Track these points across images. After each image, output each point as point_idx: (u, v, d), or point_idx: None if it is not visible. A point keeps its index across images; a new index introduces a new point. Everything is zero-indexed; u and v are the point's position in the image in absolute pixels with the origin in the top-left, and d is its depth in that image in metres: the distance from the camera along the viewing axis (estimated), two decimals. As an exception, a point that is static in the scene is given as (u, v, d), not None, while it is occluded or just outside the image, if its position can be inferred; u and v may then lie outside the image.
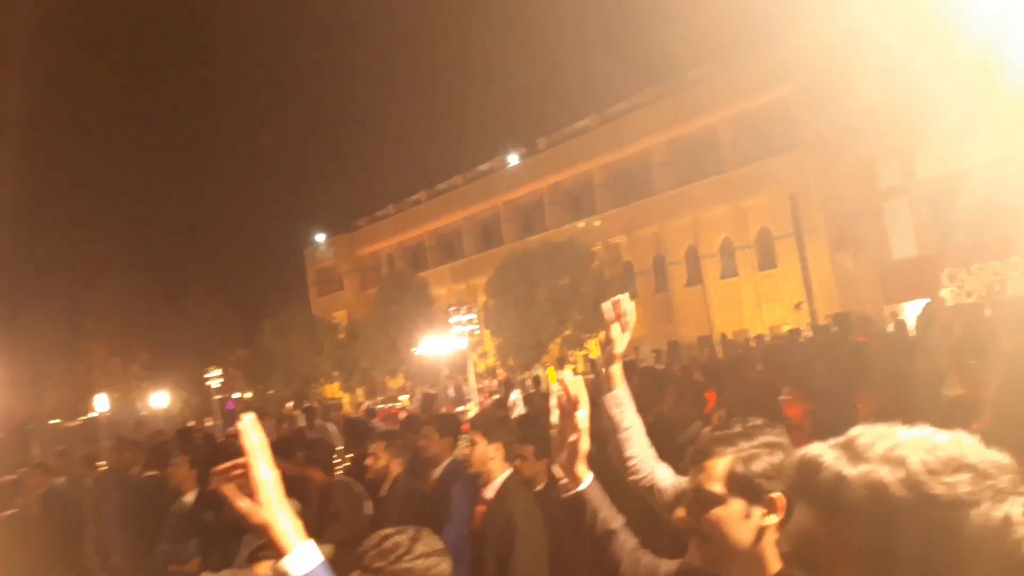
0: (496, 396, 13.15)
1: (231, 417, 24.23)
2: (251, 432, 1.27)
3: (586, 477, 1.81)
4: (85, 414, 28.38)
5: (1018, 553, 0.62)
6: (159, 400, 27.40)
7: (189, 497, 5.60)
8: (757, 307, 25.98)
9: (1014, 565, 0.62)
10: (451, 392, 17.26)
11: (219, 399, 25.87)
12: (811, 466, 0.74)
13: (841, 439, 0.76)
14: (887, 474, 0.68)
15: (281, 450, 5.70)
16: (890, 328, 12.97)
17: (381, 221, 41.77)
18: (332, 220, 43.78)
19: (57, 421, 29.07)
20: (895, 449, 0.70)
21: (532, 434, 4.12)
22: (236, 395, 30.44)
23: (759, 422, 1.66)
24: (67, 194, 62.17)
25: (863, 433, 0.75)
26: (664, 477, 2.13)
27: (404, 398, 23.08)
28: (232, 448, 7.25)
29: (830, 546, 0.71)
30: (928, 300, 17.05)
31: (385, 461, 4.05)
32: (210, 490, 5.59)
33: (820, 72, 22.18)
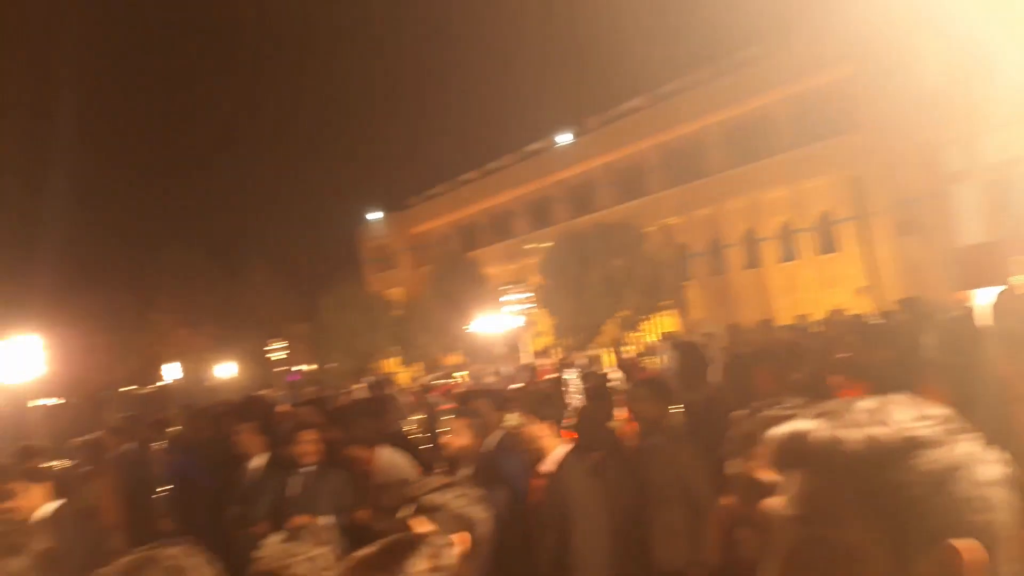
0: (554, 376, 13.25)
1: (293, 388, 25.01)
2: None
3: None
4: (154, 383, 29.67)
5: (974, 476, 0.81)
6: (225, 370, 28.38)
7: (257, 462, 5.85)
8: (818, 292, 25.47)
9: (974, 485, 0.81)
10: (505, 370, 17.46)
11: (280, 371, 26.68)
12: (801, 436, 0.86)
13: (817, 412, 0.88)
14: (875, 429, 0.83)
15: (338, 419, 5.96)
16: (956, 316, 12.61)
17: (433, 200, 42.11)
18: (385, 198, 44.38)
19: (129, 388, 30.50)
20: (872, 412, 0.85)
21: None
22: (298, 367, 31.32)
23: (800, 402, 1.61)
24: (137, 176, 64.51)
25: (837, 405, 0.89)
26: None
27: (461, 374, 23.37)
28: (296, 417, 7.57)
29: (832, 499, 0.82)
30: (1002, 288, 16.49)
31: (468, 439, 4.06)
32: (278, 455, 5.88)
33: (881, 52, 21.44)
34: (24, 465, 5.20)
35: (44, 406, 16.00)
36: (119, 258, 36.59)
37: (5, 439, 13.92)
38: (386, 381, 19.76)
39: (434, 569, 1.87)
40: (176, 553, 1.86)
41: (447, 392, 14.32)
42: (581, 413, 4.65)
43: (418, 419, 8.93)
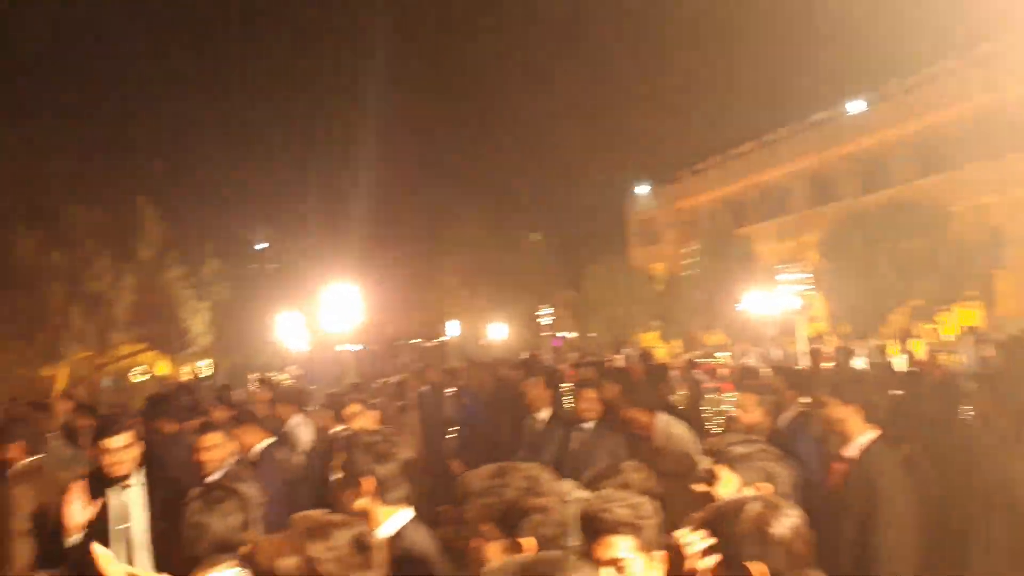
0: (831, 364, 12.41)
1: (557, 352, 26.18)
2: None
3: None
4: (437, 337, 32.83)
5: None
6: (498, 330, 30.46)
7: (543, 414, 6.25)
8: None
9: None
10: (775, 353, 16.67)
11: (546, 335, 27.95)
12: None
13: None
14: None
15: (619, 382, 6.15)
16: None
17: (703, 173, 40.92)
18: (652, 171, 43.94)
19: (415, 341, 34.13)
20: None
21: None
22: (561, 334, 32.64)
23: None
24: (433, 155, 71.25)
25: None
26: None
27: (723, 355, 22.70)
28: (568, 377, 7.91)
29: None
30: None
31: (759, 417, 4.01)
32: (560, 410, 6.23)
33: None
34: (358, 396, 6.11)
35: (348, 351, 18.41)
36: (412, 225, 40.74)
37: (325, 376, 16.42)
38: (649, 354, 19.87)
39: (759, 531, 1.89)
40: (532, 466, 2.13)
41: (712, 371, 14.04)
42: (892, 402, 4.31)
43: (683, 394, 8.92)
